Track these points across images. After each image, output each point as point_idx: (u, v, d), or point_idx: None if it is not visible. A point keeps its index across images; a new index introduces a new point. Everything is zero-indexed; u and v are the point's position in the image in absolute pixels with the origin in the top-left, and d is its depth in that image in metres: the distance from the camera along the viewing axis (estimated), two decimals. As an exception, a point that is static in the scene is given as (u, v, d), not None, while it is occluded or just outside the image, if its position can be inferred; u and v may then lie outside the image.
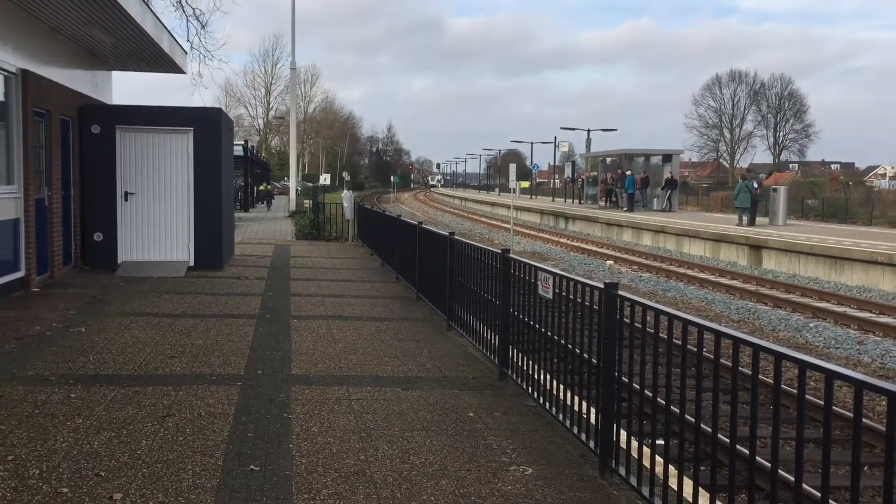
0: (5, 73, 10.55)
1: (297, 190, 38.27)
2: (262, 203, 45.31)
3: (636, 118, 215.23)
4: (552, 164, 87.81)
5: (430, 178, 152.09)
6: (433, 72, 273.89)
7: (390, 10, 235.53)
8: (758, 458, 3.92)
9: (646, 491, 4.31)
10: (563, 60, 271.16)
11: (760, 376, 3.85)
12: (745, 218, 28.93)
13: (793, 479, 3.20)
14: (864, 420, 4.30)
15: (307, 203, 30.49)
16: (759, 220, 30.19)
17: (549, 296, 5.84)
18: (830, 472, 3.06)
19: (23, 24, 11.08)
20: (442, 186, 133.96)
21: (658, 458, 4.41)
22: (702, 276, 20.62)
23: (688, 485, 4.10)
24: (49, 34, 12.13)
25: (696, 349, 4.47)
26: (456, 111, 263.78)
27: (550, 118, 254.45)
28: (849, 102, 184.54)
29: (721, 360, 3.87)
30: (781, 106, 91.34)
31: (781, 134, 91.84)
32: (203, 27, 21.97)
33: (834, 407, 4.25)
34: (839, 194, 46.79)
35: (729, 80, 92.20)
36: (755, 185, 30.08)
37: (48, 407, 5.79)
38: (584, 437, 5.18)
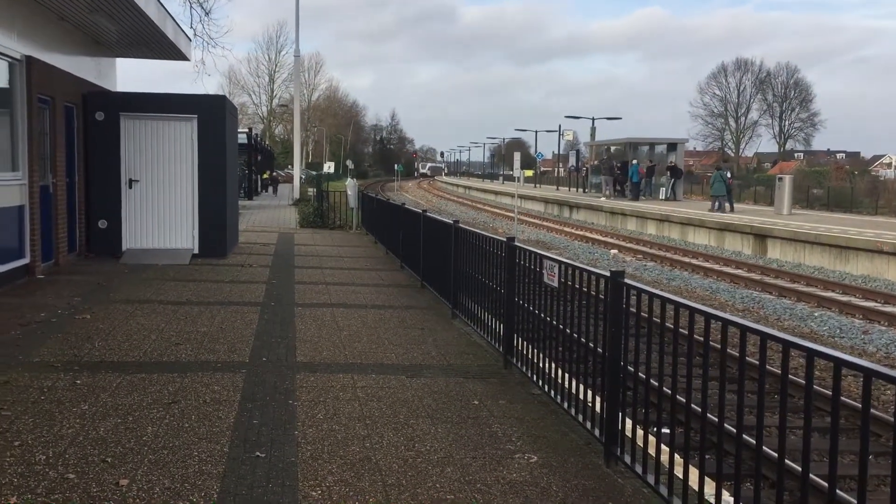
0: (10, 60, 10.53)
1: (300, 178, 38.22)
2: (268, 190, 45.31)
3: (645, 107, 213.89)
4: (556, 152, 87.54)
5: (420, 167, 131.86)
6: (443, 61, 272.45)
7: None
8: (764, 447, 3.90)
9: (651, 479, 4.31)
10: (573, 49, 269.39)
11: (766, 366, 3.83)
12: (717, 204, 30.89)
13: (799, 467, 3.19)
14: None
15: (311, 191, 30.45)
16: (764, 208, 31.26)
17: (555, 284, 5.82)
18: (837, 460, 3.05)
19: (27, 10, 11.05)
20: (445, 175, 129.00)
21: (664, 447, 4.40)
22: (706, 265, 20.60)
23: (693, 473, 4.10)
24: (54, 21, 12.10)
25: (702, 338, 4.46)
26: (463, 100, 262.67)
27: (558, 107, 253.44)
28: (856, 92, 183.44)
29: (727, 350, 3.85)
30: (787, 95, 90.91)
31: (787, 123, 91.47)
32: (207, 14, 21.94)
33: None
34: (844, 184, 46.67)
35: (735, 69, 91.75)
36: (728, 175, 32.75)
37: (54, 393, 5.81)
38: (589, 425, 5.18)
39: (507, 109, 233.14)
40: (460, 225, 9.22)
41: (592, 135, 56.92)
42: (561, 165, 77.79)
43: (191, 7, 20.14)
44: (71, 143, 13.11)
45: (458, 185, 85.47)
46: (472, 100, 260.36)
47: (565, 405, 5.60)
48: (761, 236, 23.23)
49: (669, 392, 4.17)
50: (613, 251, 24.17)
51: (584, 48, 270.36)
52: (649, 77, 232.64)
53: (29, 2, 11.00)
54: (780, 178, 31.59)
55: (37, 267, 11.24)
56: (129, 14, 11.93)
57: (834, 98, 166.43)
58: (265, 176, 46.99)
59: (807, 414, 3.17)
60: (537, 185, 67.85)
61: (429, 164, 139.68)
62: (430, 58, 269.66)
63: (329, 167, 45.38)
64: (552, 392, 5.89)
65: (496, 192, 60.79)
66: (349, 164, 42.23)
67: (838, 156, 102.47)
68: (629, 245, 25.32)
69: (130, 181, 13.84)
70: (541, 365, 6.16)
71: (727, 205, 30.87)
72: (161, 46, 15.00)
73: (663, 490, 4.17)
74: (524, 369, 6.60)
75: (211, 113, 14.09)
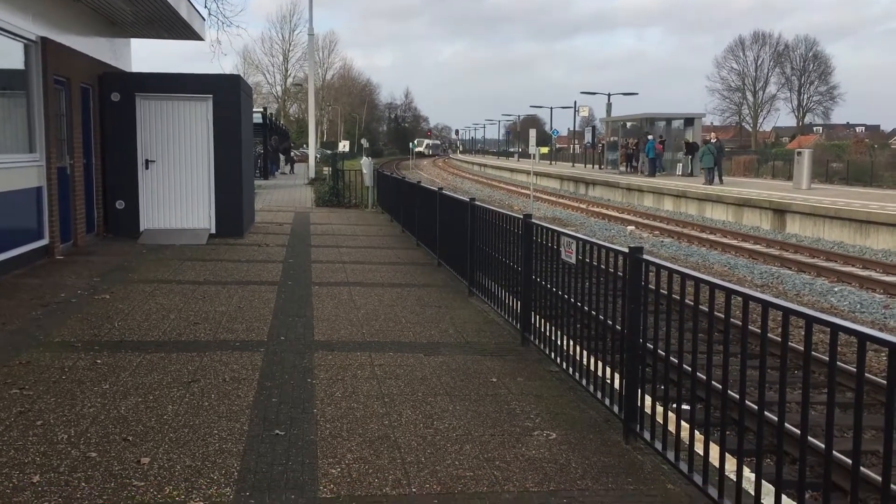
0: (25, 41, 10.53)
1: (316, 157, 38.19)
2: (284, 172, 45.36)
3: (668, 82, 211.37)
4: (572, 129, 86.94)
5: (415, 143, 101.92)
6: (466, 37, 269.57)
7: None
8: (786, 423, 3.87)
9: (671, 456, 4.29)
10: (598, 24, 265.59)
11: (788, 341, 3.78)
12: (709, 177, 31.46)
13: (821, 444, 3.16)
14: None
15: (326, 170, 30.44)
16: (783, 183, 31.50)
17: (573, 261, 5.79)
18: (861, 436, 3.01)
19: (41, -9, 11.04)
20: (462, 151, 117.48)
21: (684, 424, 4.37)
22: (724, 240, 20.45)
23: (714, 450, 4.08)
24: (68, 2, 12.08)
25: (722, 314, 4.42)
26: (483, 78, 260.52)
27: (579, 84, 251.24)
28: (878, 64, 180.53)
29: (749, 327, 3.81)
30: (806, 68, 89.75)
31: (805, 96, 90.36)
32: (220, -7, 21.81)
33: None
34: (864, 157, 46.07)
35: (752, 42, 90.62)
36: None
37: (75, 373, 5.85)
38: (608, 402, 5.16)
39: (529, 87, 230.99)
40: (477, 203, 9.18)
41: (608, 111, 56.53)
42: (577, 142, 77.33)
43: (204, -14, 20.06)
44: (87, 124, 13.14)
45: (473, 163, 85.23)
46: (493, 77, 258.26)
47: (584, 382, 5.58)
48: (780, 211, 23.03)
49: (689, 368, 4.14)
50: (630, 227, 24.04)
51: (611, 23, 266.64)
52: (674, 52, 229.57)
53: (43, -17, 10.99)
54: (799, 153, 31.23)
55: (56, 248, 11.31)
56: (143, -6, 11.90)
57: (854, 71, 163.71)
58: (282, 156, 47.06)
59: (830, 389, 3.13)
60: (553, 162, 67.53)
61: (426, 142, 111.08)
62: (453, 35, 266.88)
63: (344, 146, 45.30)
64: (570, 369, 5.87)
65: (511, 170, 60.56)
66: (364, 142, 42.14)
67: (858, 129, 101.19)
68: (646, 221, 25.18)
69: (147, 161, 13.88)
70: (559, 342, 6.14)
71: (710, 177, 31.86)
72: (175, 26, 14.96)
73: (683, 466, 4.16)
74: (542, 346, 6.58)
75: (226, 93, 14.07)
